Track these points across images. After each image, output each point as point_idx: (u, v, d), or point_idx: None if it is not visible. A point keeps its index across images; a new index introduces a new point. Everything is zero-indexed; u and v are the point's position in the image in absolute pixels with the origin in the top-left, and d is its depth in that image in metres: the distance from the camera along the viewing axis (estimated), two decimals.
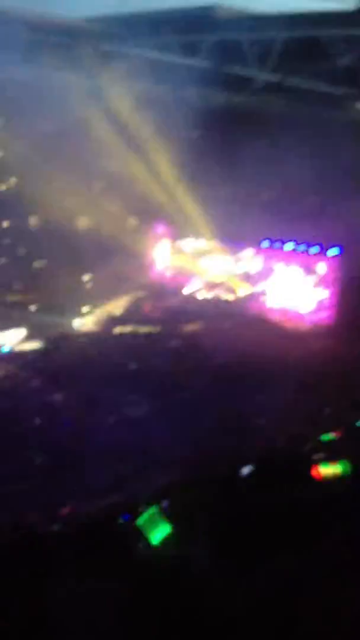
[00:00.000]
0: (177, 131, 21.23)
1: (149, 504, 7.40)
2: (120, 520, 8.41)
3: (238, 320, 21.00)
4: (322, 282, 20.62)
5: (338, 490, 9.28)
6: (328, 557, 7.41)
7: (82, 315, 21.04)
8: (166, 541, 7.23)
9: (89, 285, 22.78)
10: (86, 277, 23.03)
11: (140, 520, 7.25)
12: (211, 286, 23.26)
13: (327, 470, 9.55)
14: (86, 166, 22.25)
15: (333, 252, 20.28)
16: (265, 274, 22.12)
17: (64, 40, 21.71)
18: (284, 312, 21.43)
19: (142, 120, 21.89)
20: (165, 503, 8.91)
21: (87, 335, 20.23)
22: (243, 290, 22.60)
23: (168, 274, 24.62)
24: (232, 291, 22.84)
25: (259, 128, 21.39)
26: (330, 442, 11.29)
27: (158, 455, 12.83)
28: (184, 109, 21.48)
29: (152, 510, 7.28)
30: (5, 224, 23.65)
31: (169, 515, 8.57)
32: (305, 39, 19.29)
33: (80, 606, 6.40)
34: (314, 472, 9.49)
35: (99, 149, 22.11)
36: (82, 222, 24.85)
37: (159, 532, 7.18)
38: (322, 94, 21.90)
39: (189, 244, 23.94)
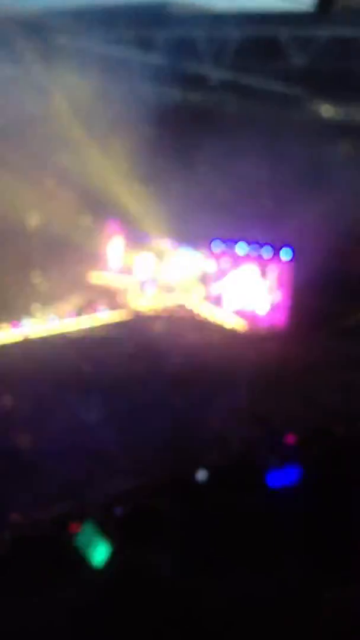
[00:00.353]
0: (131, 128, 21.12)
1: (85, 519, 7.21)
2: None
3: (192, 323, 21.14)
4: (276, 284, 20.78)
5: (290, 494, 9.43)
6: (283, 563, 7.49)
7: (32, 316, 20.66)
8: (109, 561, 7.06)
9: (39, 285, 22.35)
10: (37, 277, 22.65)
11: (79, 540, 7.03)
12: (165, 287, 23.30)
13: (279, 473, 9.70)
14: (36, 162, 21.92)
15: (286, 253, 20.48)
16: (219, 275, 22.20)
17: (13, 32, 21.37)
18: (238, 314, 21.55)
19: (94, 116, 21.71)
20: (119, 509, 8.80)
21: (38, 335, 19.93)
22: (197, 291, 22.65)
23: (122, 273, 24.55)
24: (187, 292, 22.84)
25: (214, 126, 21.46)
26: (283, 446, 11.43)
27: (112, 460, 12.67)
28: (137, 106, 21.39)
29: (89, 526, 7.02)
30: None
31: (123, 522, 8.46)
32: (261, 38, 19.38)
33: (33, 616, 6.36)
34: (266, 477, 9.63)
35: (50, 145, 21.85)
36: (33, 220, 24.56)
37: (99, 552, 6.95)
38: (277, 93, 22.03)
39: (144, 243, 23.89)
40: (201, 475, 9.79)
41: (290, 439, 11.72)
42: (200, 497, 9.23)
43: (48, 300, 21.57)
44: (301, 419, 14.40)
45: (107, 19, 20.51)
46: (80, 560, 7.27)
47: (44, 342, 19.60)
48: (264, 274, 21.04)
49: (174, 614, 6.38)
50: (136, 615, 6.35)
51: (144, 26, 21.00)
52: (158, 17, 20.27)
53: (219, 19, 20.03)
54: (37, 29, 21.28)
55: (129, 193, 22.84)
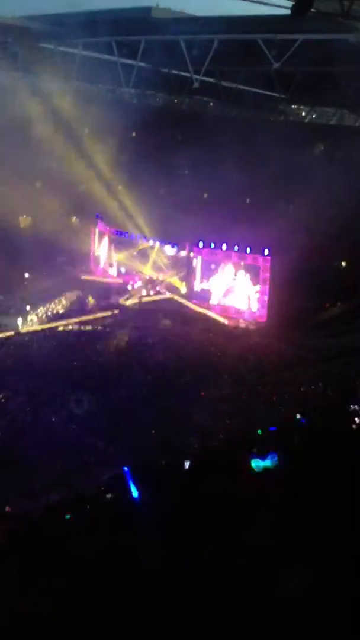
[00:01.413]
0: (116, 130, 21.35)
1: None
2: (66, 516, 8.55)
3: (178, 318, 21.37)
4: (258, 281, 21.10)
5: (268, 482, 9.55)
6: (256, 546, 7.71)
7: (25, 313, 20.95)
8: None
9: (31, 284, 22.77)
10: (28, 276, 23.07)
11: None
12: (152, 285, 23.66)
13: (258, 463, 9.87)
14: (25, 165, 22.14)
15: (266, 252, 20.80)
16: (204, 273, 22.59)
17: (1, 38, 21.62)
18: (221, 310, 21.95)
19: (80, 119, 21.92)
20: (109, 495, 9.13)
21: (30, 333, 20.10)
22: (182, 288, 23.02)
23: (109, 272, 24.80)
24: (172, 289, 23.23)
25: (196, 129, 21.67)
26: (263, 436, 11.55)
27: (101, 450, 13.03)
28: (122, 109, 21.67)
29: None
30: None
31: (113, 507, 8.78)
32: (240, 42, 19.69)
33: (26, 604, 6.48)
34: (247, 465, 9.77)
35: (38, 148, 22.06)
36: (23, 221, 24.79)
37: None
38: (256, 96, 22.40)
39: (130, 242, 24.12)
40: (187, 464, 10.00)
41: (270, 429, 12.01)
42: (184, 485, 9.45)
43: (40, 298, 21.83)
44: (282, 408, 14.77)
45: (91, 24, 20.72)
46: (72, 549, 7.48)
47: (36, 337, 19.71)
48: (246, 272, 21.40)
49: (158, 594, 6.62)
50: (122, 597, 6.57)
51: (128, 31, 21.30)
52: (141, 22, 20.53)
53: (200, 23, 20.32)
54: (22, 34, 21.54)
55: (115, 195, 23.10)
